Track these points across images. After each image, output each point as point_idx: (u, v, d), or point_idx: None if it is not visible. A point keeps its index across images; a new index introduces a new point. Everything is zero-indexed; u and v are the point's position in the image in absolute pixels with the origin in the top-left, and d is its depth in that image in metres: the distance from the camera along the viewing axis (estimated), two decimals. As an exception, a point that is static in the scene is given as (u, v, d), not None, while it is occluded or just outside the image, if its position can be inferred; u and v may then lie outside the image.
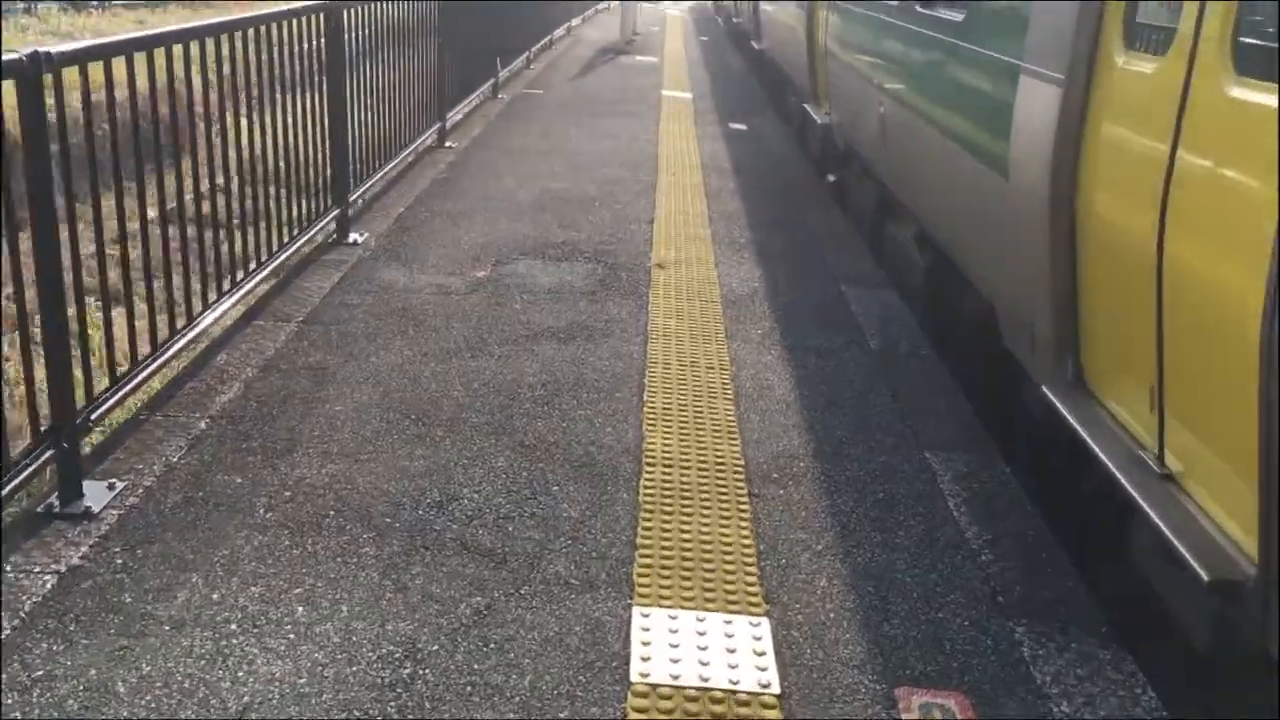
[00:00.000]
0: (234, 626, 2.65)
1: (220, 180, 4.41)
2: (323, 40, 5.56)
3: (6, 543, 2.92)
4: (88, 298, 4.16)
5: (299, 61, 5.24)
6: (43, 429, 3.11)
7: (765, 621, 2.77)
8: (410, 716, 2.38)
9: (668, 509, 3.30)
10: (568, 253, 5.95)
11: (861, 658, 2.65)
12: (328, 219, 5.76)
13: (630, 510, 3.29)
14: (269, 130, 4.97)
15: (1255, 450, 2.42)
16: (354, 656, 2.56)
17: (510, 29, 12.34)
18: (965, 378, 4.60)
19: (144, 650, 2.55)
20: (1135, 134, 3.05)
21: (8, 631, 2.59)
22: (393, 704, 2.42)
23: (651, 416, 3.95)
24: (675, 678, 2.54)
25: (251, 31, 4.68)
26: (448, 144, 8.66)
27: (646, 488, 3.43)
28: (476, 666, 2.55)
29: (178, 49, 3.92)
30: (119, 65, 3.53)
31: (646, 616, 2.75)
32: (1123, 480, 2.90)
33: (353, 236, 5.98)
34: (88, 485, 3.22)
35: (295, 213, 5.28)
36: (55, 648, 2.55)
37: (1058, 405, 3.40)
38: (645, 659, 2.59)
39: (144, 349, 3.71)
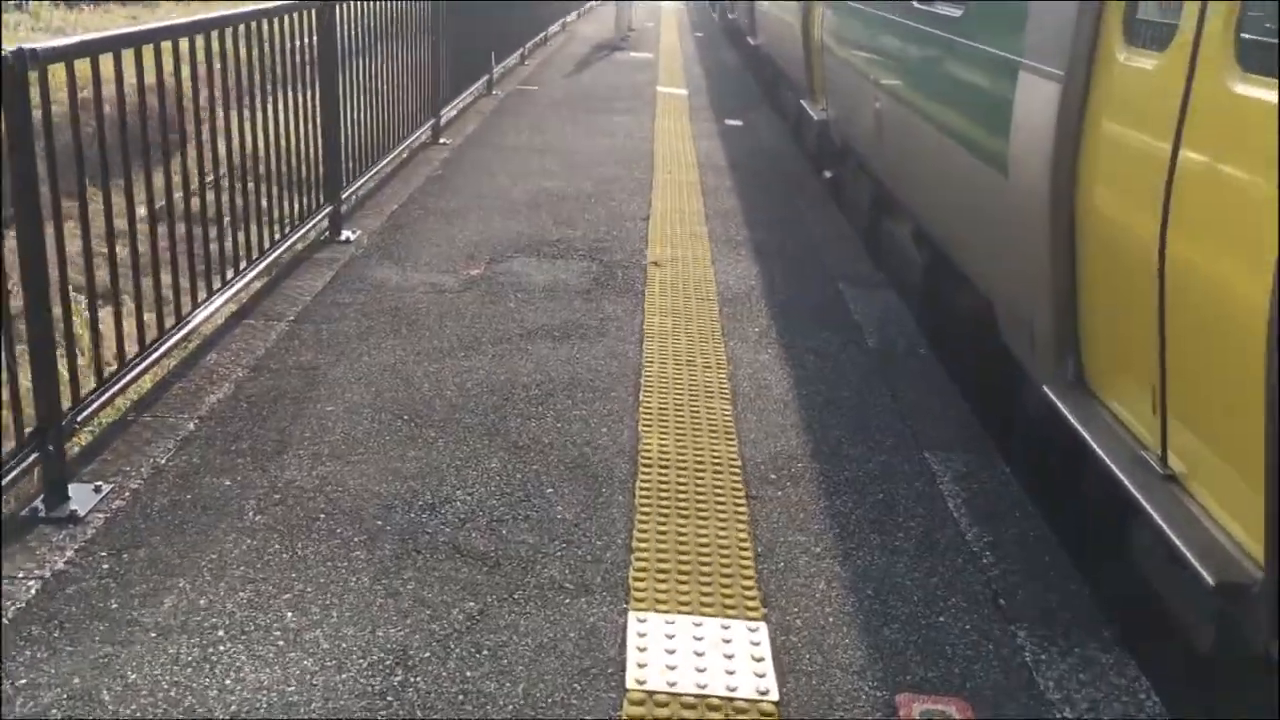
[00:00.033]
0: (221, 633, 2.60)
1: (211, 177, 4.35)
2: (315, 36, 5.50)
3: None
4: (77, 295, 4.11)
5: (291, 58, 5.19)
6: (28, 431, 3.05)
7: (763, 626, 2.72)
8: (401, 725, 2.34)
9: (664, 511, 3.26)
10: (563, 251, 5.90)
11: (861, 663, 2.61)
12: (320, 216, 5.71)
13: (626, 513, 3.24)
14: (260, 127, 4.91)
15: (1261, 451, 2.38)
16: (344, 664, 2.51)
17: (505, 24, 12.27)
18: (964, 377, 4.55)
19: (129, 658, 2.50)
20: (1136, 131, 3.00)
21: (-10, 639, 2.54)
22: (383, 713, 2.37)
23: (647, 417, 3.90)
24: (672, 685, 2.49)
25: (242, 28, 4.62)
26: (442, 140, 8.61)
27: (642, 489, 3.38)
28: (469, 674, 2.50)
29: (166, 45, 3.86)
30: (107, 62, 3.47)
31: (643, 622, 2.70)
32: (1125, 481, 2.86)
33: (345, 234, 5.93)
34: (74, 488, 3.17)
35: (287, 210, 5.22)
36: (39, 655, 2.50)
37: (1058, 405, 3.35)
38: (641, 665, 2.55)
39: (132, 349, 3.66)
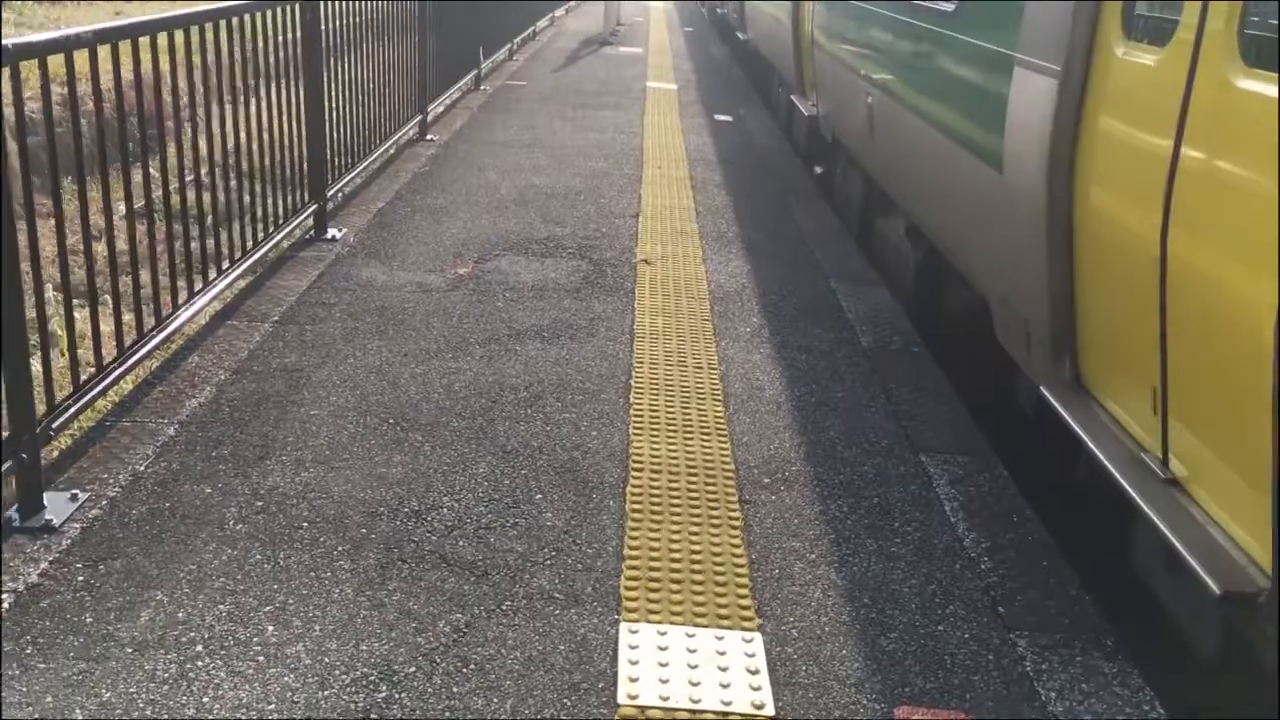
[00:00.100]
0: (200, 648, 2.52)
1: (191, 175, 4.26)
2: (299, 31, 5.41)
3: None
4: (54, 296, 4.02)
5: (275, 54, 5.09)
6: (1, 438, 2.96)
7: (758, 637, 2.65)
8: (386, 744, 2.27)
9: (656, 517, 3.19)
10: (551, 248, 5.82)
11: (859, 675, 2.54)
12: (305, 214, 5.61)
13: (617, 519, 3.17)
14: (243, 124, 4.82)
15: (1267, 454, 2.32)
16: (326, 680, 2.43)
17: (493, 19, 12.17)
18: (959, 376, 4.49)
19: (104, 675, 2.42)
20: (1136, 127, 2.94)
21: (-40, 656, 2.46)
22: (367, 730, 2.30)
23: (638, 419, 3.83)
24: (665, 699, 2.42)
25: (224, 23, 4.53)
26: (429, 137, 8.51)
27: (634, 494, 3.31)
28: (455, 690, 2.42)
29: (144, 41, 3.77)
30: (83, 58, 3.37)
31: (635, 633, 2.63)
32: (1126, 485, 2.81)
33: (331, 232, 5.84)
34: (49, 497, 3.08)
35: (270, 208, 5.13)
36: (10, 672, 2.41)
37: (1057, 406, 3.30)
38: (633, 679, 2.47)
39: (110, 352, 3.57)
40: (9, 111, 2.97)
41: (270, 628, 2.60)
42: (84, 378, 3.42)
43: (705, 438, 3.72)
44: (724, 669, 2.52)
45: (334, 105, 5.96)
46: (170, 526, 3.02)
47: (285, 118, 5.28)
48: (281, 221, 5.26)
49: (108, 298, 3.66)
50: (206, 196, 4.42)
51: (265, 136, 5.03)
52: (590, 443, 3.63)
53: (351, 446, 3.53)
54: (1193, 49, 2.63)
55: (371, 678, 2.45)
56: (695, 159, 8.37)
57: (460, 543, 3.01)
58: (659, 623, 2.68)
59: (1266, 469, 2.32)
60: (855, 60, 6.51)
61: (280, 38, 5.15)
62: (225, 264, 4.56)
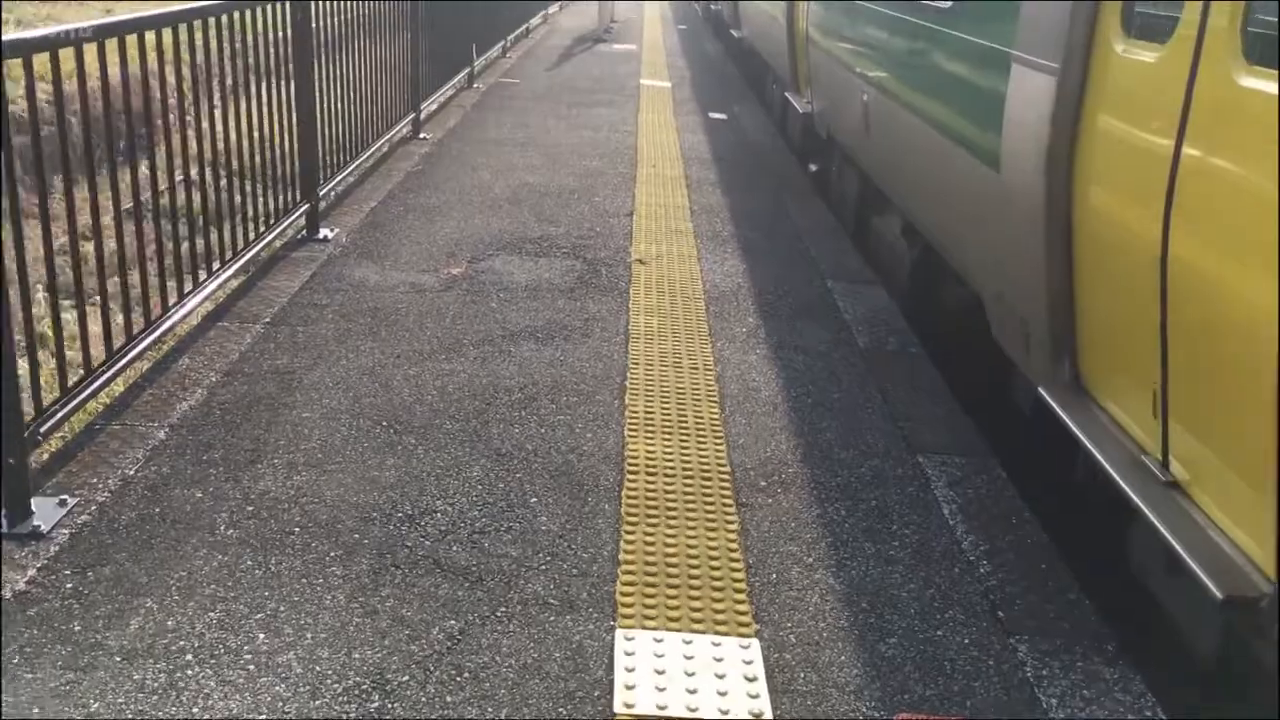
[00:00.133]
0: (189, 657, 2.48)
1: (180, 176, 4.21)
2: (289, 29, 5.36)
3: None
4: (42, 296, 3.97)
5: (265, 52, 5.05)
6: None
7: (755, 643, 2.62)
8: (378, 754, 2.23)
9: (651, 520, 3.15)
10: (545, 248, 5.78)
11: (858, 682, 2.51)
12: (296, 214, 5.56)
13: (612, 523, 3.14)
14: (233, 123, 4.78)
15: (1269, 457, 2.30)
16: (318, 689, 2.40)
17: (486, 16, 12.12)
18: (956, 376, 4.47)
19: (92, 685, 2.38)
20: (1137, 126, 2.91)
21: (-55, 666, 2.42)
22: (360, 741, 2.27)
23: (634, 421, 3.80)
24: (662, 708, 2.39)
25: (213, 21, 4.48)
26: (422, 135, 8.46)
27: (629, 498, 3.27)
28: (449, 699, 2.39)
29: (132, 38, 3.72)
30: (68, 57, 3.33)
31: (631, 640, 2.60)
32: (1126, 488, 2.78)
33: (323, 232, 5.79)
34: (37, 502, 3.04)
35: (261, 208, 5.08)
36: (-3, 683, 2.38)
37: (1056, 408, 3.27)
38: (630, 687, 2.44)
39: (99, 354, 3.53)
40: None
41: (261, 635, 2.56)
42: (73, 381, 3.38)
43: (701, 440, 3.68)
44: (721, 676, 2.49)
45: (326, 103, 5.91)
46: (160, 532, 2.98)
47: (276, 117, 5.23)
48: (273, 221, 5.22)
49: (98, 297, 3.62)
50: (197, 196, 4.37)
51: (256, 135, 4.98)
52: (585, 445, 3.60)
53: (344, 450, 3.49)
54: (1194, 46, 2.60)
55: (364, 687, 2.41)
56: (690, 157, 8.34)
57: (454, 548, 2.97)
58: (655, 629, 2.65)
59: (1269, 472, 2.30)
60: (850, 57, 6.48)
61: (272, 35, 5.10)
62: (216, 264, 4.51)
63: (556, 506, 3.21)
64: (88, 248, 3.84)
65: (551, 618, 2.68)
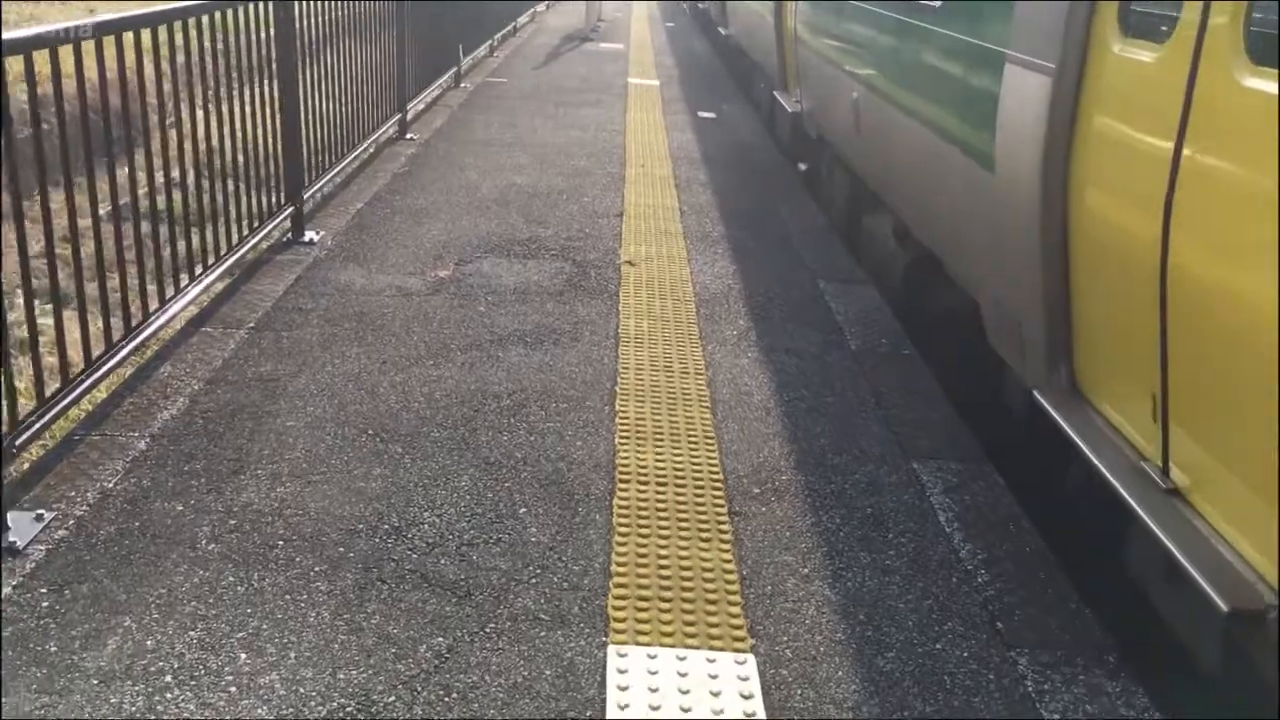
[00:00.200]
0: (169, 678, 2.41)
1: (161, 179, 4.13)
2: (272, 29, 5.28)
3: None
4: (17, 302, 3.89)
5: (248, 52, 4.96)
6: (-40, 458, 2.85)
7: (751, 659, 2.56)
8: (364, 779, 2.17)
9: (644, 531, 3.09)
10: (534, 250, 5.71)
11: (856, 698, 2.46)
12: (281, 217, 5.49)
13: (604, 533, 3.07)
14: (215, 124, 4.69)
15: (1273, 464, 2.25)
16: (301, 711, 2.33)
17: (473, 15, 12.03)
18: (950, 379, 4.41)
19: (68, 709, 2.30)
20: (1135, 127, 2.86)
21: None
22: (345, 765, 2.20)
23: (624, 428, 3.73)
24: (655, 727, 2.33)
25: (193, 21, 4.40)
26: (409, 136, 8.38)
27: (620, 508, 3.21)
28: (437, 720, 2.33)
29: (120, 39, 3.65)
30: (43, 59, 3.26)
31: (623, 656, 2.54)
32: (1126, 496, 2.73)
33: (308, 235, 5.71)
34: (13, 517, 2.96)
35: (244, 211, 5.00)
36: (-31, 707, 2.30)
37: (1053, 413, 3.22)
38: (623, 706, 2.38)
39: (77, 364, 3.45)
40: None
41: (243, 655, 2.49)
42: (50, 391, 3.30)
43: (693, 446, 3.62)
44: (717, 694, 2.43)
45: (311, 104, 5.82)
46: (140, 547, 2.90)
47: (260, 118, 5.15)
48: (257, 224, 5.13)
49: (68, 311, 3.54)
50: (178, 198, 4.29)
51: (239, 137, 4.90)
52: (575, 453, 3.54)
53: (329, 459, 3.42)
54: (1195, 46, 2.55)
55: (349, 709, 2.34)
56: (678, 156, 8.27)
57: (442, 561, 2.90)
58: (648, 644, 2.59)
59: (1272, 479, 2.25)
60: (840, 56, 6.43)
61: (255, 35, 5.02)
62: (199, 269, 4.43)
63: (547, 517, 3.15)
64: (65, 252, 3.76)
65: (542, 633, 2.62)
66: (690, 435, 3.70)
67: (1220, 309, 2.43)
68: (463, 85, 11.09)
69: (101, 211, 3.71)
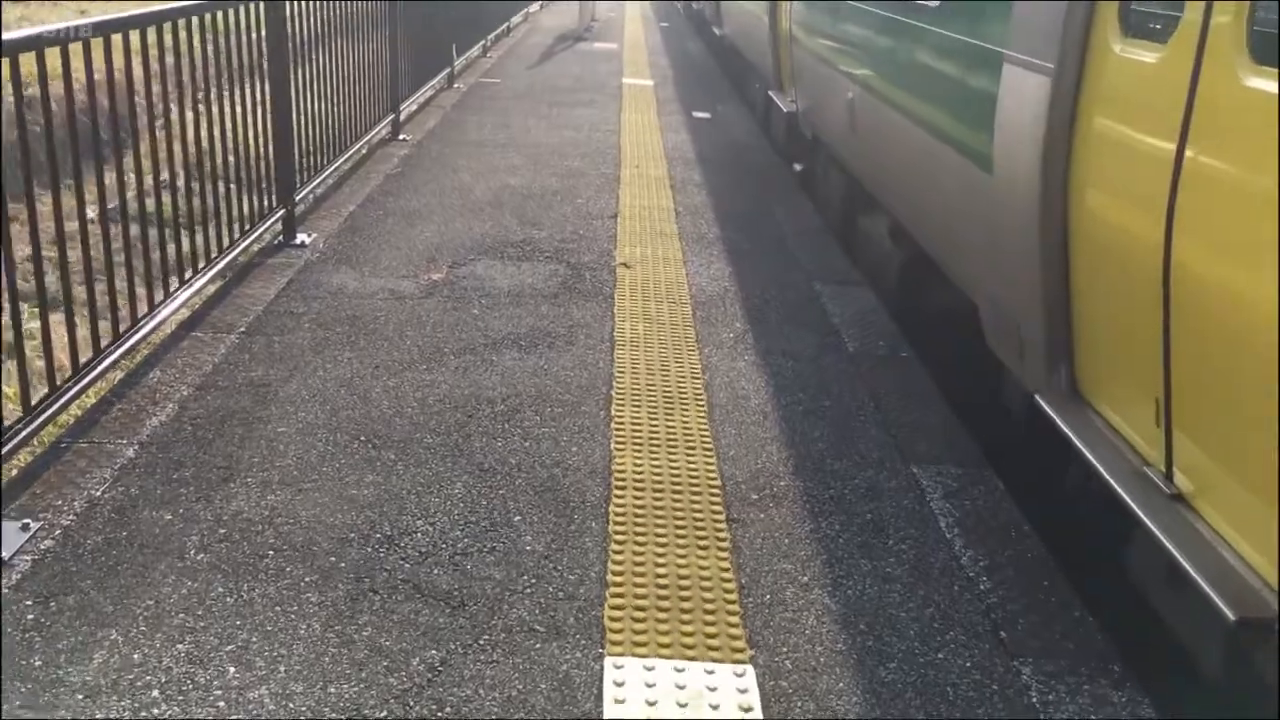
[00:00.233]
0: (156, 693, 2.36)
1: (151, 179, 4.08)
2: (264, 30, 5.22)
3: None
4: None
5: (239, 54, 4.91)
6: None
7: (750, 670, 2.52)
8: (356, 797, 2.12)
9: (640, 538, 3.05)
10: (528, 252, 5.66)
11: (858, 710, 2.41)
12: (273, 219, 5.43)
13: (600, 541, 3.03)
14: (206, 126, 4.64)
15: (1278, 467, 2.21)
16: (292, 727, 2.28)
17: (466, 15, 11.97)
18: (948, 382, 4.37)
19: (53, 726, 2.26)
20: (1137, 128, 2.82)
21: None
22: (336, 782, 2.15)
23: (620, 432, 3.69)
24: (653, 742, 2.28)
25: (183, 22, 4.35)
26: (402, 136, 8.33)
27: (616, 515, 3.17)
28: (430, 735, 2.28)
29: (97, 41, 3.59)
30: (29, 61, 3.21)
31: (620, 669, 2.49)
32: (1130, 502, 2.69)
33: (300, 237, 5.66)
34: (-2, 528, 2.91)
35: (235, 214, 4.95)
36: (-49, 725, 2.25)
37: (1053, 416, 3.18)
38: (619, 720, 2.34)
39: (66, 366, 3.40)
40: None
41: (232, 669, 2.44)
42: (37, 399, 3.25)
43: (690, 451, 3.58)
44: (715, 706, 2.39)
45: (302, 105, 5.77)
46: (127, 557, 2.85)
47: (251, 120, 5.10)
48: (248, 227, 5.08)
49: (54, 317, 3.49)
50: (168, 201, 4.24)
51: (229, 140, 4.85)
52: (571, 459, 3.49)
53: (321, 466, 3.37)
54: (1197, 46, 2.51)
55: (340, 724, 2.30)
56: (673, 157, 8.23)
57: (435, 570, 2.86)
58: (645, 656, 2.54)
59: (1278, 483, 2.21)
60: (835, 56, 6.38)
61: (247, 36, 4.97)
62: (189, 273, 4.38)
63: (541, 525, 3.10)
64: (52, 255, 3.71)
65: (537, 645, 2.57)
66: (687, 440, 3.66)
67: (1225, 311, 2.39)
68: (456, 86, 11.04)
69: (92, 214, 3.66)
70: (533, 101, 10.42)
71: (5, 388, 3.24)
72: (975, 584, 2.93)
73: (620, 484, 3.34)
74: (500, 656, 2.52)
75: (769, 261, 5.75)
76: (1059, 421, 3.14)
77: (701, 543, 3.04)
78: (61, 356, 3.50)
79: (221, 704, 2.33)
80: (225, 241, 4.80)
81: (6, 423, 3.09)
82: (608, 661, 2.52)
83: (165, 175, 4.18)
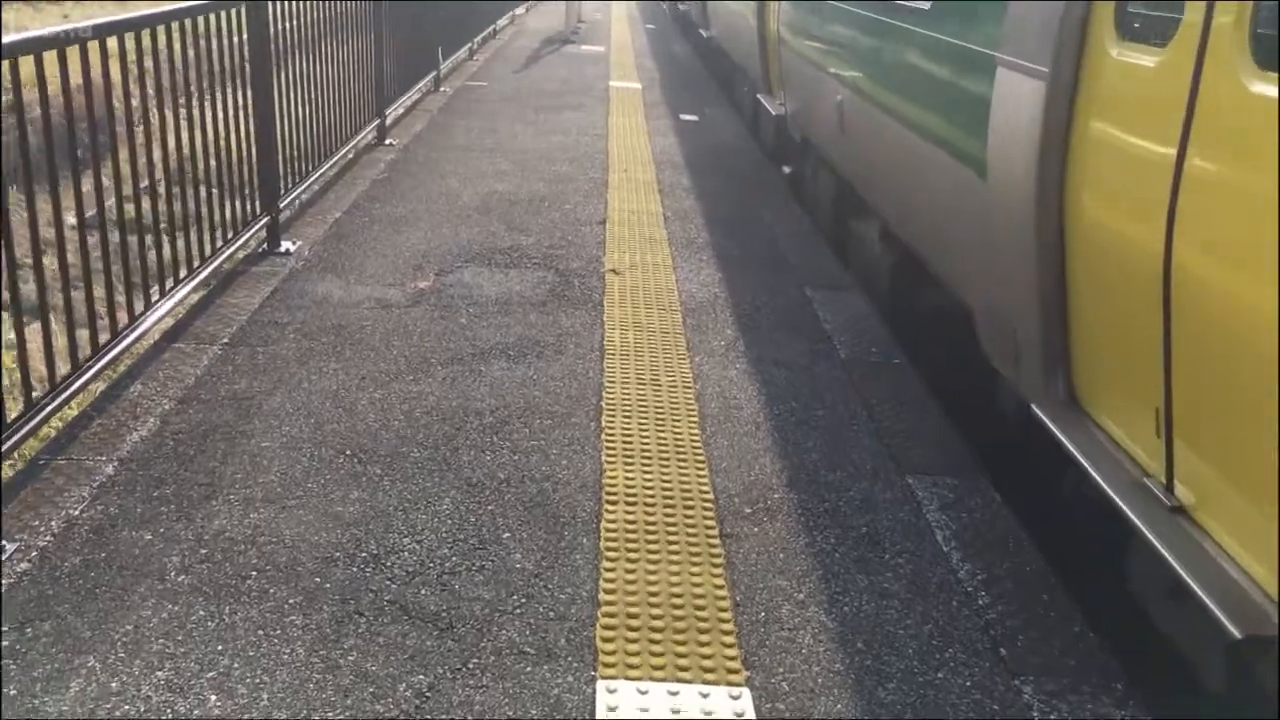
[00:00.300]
0: (135, 724, 2.29)
1: (131, 187, 4.00)
2: (245, 34, 5.14)
3: None
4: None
5: (221, 59, 4.83)
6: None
7: (746, 692, 2.46)
8: (341, 831, 2.05)
9: (632, 556, 2.98)
10: (516, 259, 5.60)
11: (856, 733, 2.36)
12: (256, 227, 5.35)
13: (591, 559, 2.96)
14: (187, 133, 4.56)
15: (1282, 480, 2.17)
16: (275, 758, 2.21)
17: (452, 18, 11.89)
18: (942, 390, 4.32)
19: (27, 759, 2.18)
20: (1135, 133, 2.78)
21: None
22: (321, 816, 2.08)
23: (611, 445, 3.63)
24: (648, 769, 2.22)
25: (165, 27, 4.27)
26: (388, 141, 8.25)
27: (608, 531, 3.10)
28: (418, 765, 2.21)
29: (72, 50, 3.51)
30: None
31: (613, 693, 2.43)
32: (1130, 514, 2.64)
33: (284, 245, 5.58)
34: (-28, 550, 2.83)
35: (218, 222, 4.87)
36: (-79, 759, 2.18)
37: (1051, 427, 3.13)
38: (613, 747, 2.28)
39: (44, 380, 3.32)
40: None
41: (213, 698, 2.37)
42: (12, 416, 3.17)
43: (682, 464, 3.52)
44: (711, 731, 2.33)
45: (286, 111, 5.69)
46: (106, 580, 2.78)
47: (233, 126, 5.02)
48: (231, 235, 5.00)
49: (30, 331, 3.41)
50: (148, 210, 4.16)
51: (211, 147, 4.77)
52: (561, 473, 3.42)
53: (305, 482, 3.30)
54: (1198, 49, 2.46)
55: (325, 754, 2.23)
56: (662, 161, 8.17)
57: (422, 591, 2.79)
58: (639, 679, 2.48)
59: (1282, 496, 2.17)
60: (824, 58, 6.33)
61: (229, 41, 4.89)
62: (170, 282, 4.30)
63: (531, 542, 3.03)
64: (10, 276, 3.63)
65: (528, 668, 2.51)
66: (679, 452, 3.60)
67: (1228, 319, 2.34)
68: (442, 89, 10.96)
69: (71, 221, 3.59)
70: (520, 105, 10.35)
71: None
72: (974, 599, 2.88)
73: (611, 498, 3.28)
74: (489, 681, 2.46)
75: (759, 266, 5.69)
76: (1057, 432, 3.09)
77: (695, 559, 2.98)
78: (41, 369, 3.42)
79: (202, 734, 2.26)
80: (208, 249, 4.72)
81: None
82: (600, 685, 2.45)
83: (146, 181, 4.11)
